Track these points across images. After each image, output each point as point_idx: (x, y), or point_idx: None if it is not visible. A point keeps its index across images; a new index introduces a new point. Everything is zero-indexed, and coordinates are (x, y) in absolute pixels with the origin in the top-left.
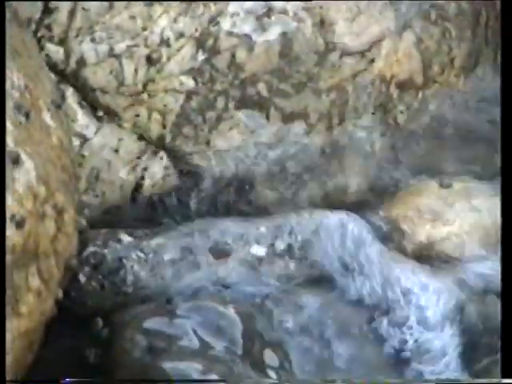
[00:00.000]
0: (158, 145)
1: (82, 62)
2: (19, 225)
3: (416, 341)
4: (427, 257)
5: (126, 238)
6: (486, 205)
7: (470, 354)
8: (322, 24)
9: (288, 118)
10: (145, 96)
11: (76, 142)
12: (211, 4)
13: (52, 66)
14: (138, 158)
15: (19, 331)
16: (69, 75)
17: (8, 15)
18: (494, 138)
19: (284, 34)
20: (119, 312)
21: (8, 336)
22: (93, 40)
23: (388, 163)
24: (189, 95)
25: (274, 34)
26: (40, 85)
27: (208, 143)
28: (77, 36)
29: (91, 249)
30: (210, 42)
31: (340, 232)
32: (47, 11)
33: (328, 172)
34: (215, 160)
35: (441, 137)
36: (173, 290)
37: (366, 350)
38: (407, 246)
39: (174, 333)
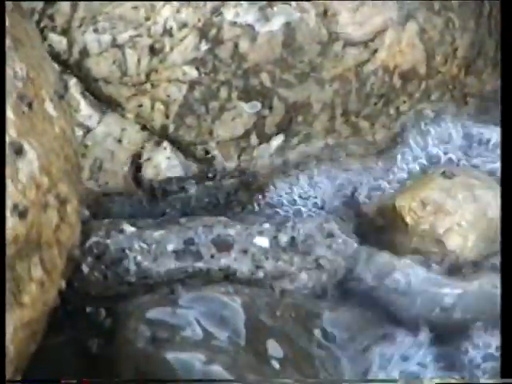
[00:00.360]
0: (161, 135)
1: (84, 52)
2: (22, 215)
3: None
4: None
5: (128, 229)
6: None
7: None
8: (325, 14)
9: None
10: (148, 86)
11: (79, 132)
12: None
13: (55, 56)
14: (141, 148)
15: (22, 321)
16: (72, 65)
17: (11, 5)
18: None
19: (287, 24)
20: (122, 302)
21: (9, 327)
22: (96, 30)
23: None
24: (192, 85)
25: (277, 24)
26: (43, 75)
27: (211, 133)
28: (80, 26)
29: (94, 239)
30: (213, 32)
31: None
32: (50, 1)
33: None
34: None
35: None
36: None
37: None
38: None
39: (177, 323)
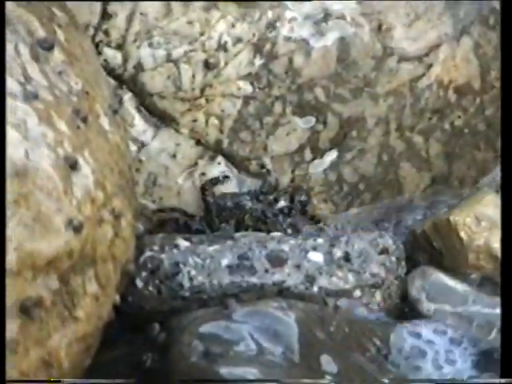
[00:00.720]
0: (216, 150)
1: (139, 67)
2: (77, 230)
3: None
4: None
5: (182, 243)
6: None
7: None
8: (380, 29)
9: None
10: (202, 101)
11: (133, 147)
12: (269, 9)
13: (110, 71)
14: (196, 163)
15: (76, 336)
16: (126, 80)
17: (66, 20)
18: None
19: (341, 39)
20: (176, 317)
21: (64, 342)
22: (150, 45)
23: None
24: (246, 100)
25: (331, 39)
26: (98, 90)
27: (265, 148)
28: (135, 41)
29: (148, 254)
30: (268, 46)
31: None
32: (105, 16)
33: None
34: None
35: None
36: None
37: None
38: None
39: (230, 338)
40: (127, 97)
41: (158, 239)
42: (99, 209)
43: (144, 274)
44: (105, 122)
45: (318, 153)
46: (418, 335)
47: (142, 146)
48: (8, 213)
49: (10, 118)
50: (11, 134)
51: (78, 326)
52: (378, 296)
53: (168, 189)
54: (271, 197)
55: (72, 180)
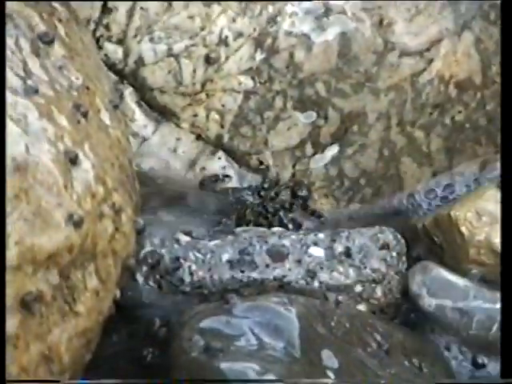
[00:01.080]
0: (216, 145)
1: (140, 62)
2: (77, 225)
3: None
4: None
5: (183, 238)
6: None
7: None
8: (381, 24)
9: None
10: (203, 96)
11: (134, 141)
12: (269, 4)
13: (110, 66)
14: (196, 157)
15: (77, 330)
16: (127, 75)
17: (67, 15)
18: None
19: (343, 34)
20: (177, 312)
21: (64, 336)
22: (151, 40)
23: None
24: (247, 95)
25: (332, 33)
26: (98, 84)
27: (266, 143)
28: (135, 36)
29: (149, 248)
30: (269, 41)
31: None
32: (106, 11)
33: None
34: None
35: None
36: (230, 289)
37: None
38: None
39: (231, 333)
40: (128, 91)
41: (159, 234)
42: (99, 203)
43: (144, 268)
44: (105, 116)
45: (319, 148)
46: None
47: (142, 140)
48: (8, 207)
49: (10, 112)
50: (12, 129)
51: (78, 320)
52: (379, 291)
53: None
54: (272, 192)
55: (72, 175)
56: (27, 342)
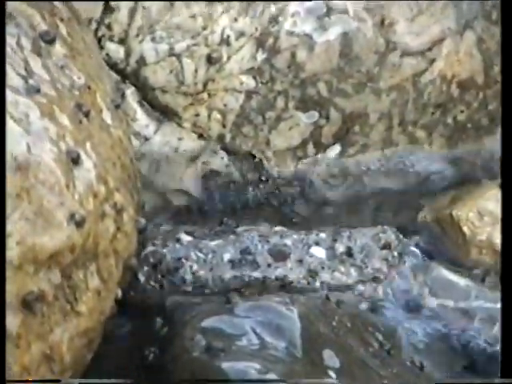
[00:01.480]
0: (218, 144)
1: (142, 62)
2: (79, 224)
3: None
4: None
5: (185, 238)
6: None
7: None
8: (383, 24)
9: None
10: (205, 95)
11: (136, 141)
12: (271, 4)
13: (112, 65)
14: (198, 157)
15: (78, 330)
16: (129, 74)
17: (69, 14)
18: None
19: (344, 34)
20: (178, 311)
21: (66, 336)
22: (153, 39)
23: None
24: (249, 95)
25: (334, 33)
26: (100, 84)
27: (268, 143)
28: (137, 35)
29: (150, 248)
30: (270, 41)
31: None
32: (108, 10)
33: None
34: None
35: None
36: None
37: None
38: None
39: (233, 332)
40: (129, 91)
41: (161, 233)
42: (101, 203)
43: (146, 268)
44: (107, 116)
45: (321, 148)
46: None
47: (144, 140)
48: (10, 207)
49: (12, 111)
50: (13, 128)
51: (79, 320)
52: (380, 291)
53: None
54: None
55: (74, 174)
56: (29, 342)
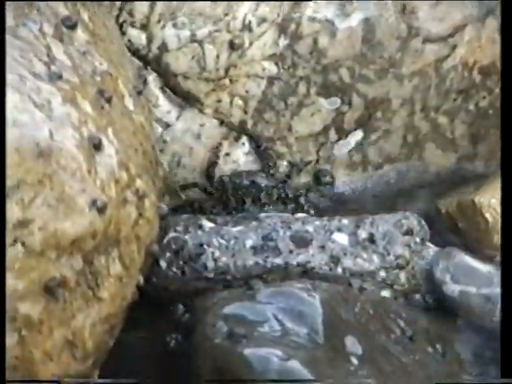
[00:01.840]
0: (240, 130)
1: (163, 48)
2: (101, 210)
3: None
4: None
5: (207, 224)
6: None
7: None
8: (405, 10)
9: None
10: (226, 81)
11: (157, 127)
12: None
13: (134, 52)
14: (220, 143)
15: (100, 316)
16: (151, 60)
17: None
18: None
19: (366, 20)
20: (200, 298)
21: (88, 322)
22: (175, 25)
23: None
24: (271, 81)
25: (356, 19)
26: (122, 70)
27: (289, 129)
28: (159, 21)
29: (172, 234)
30: (292, 27)
31: None
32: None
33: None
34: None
35: None
36: (254, 275)
37: None
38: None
39: (255, 319)
40: (151, 77)
41: (183, 220)
42: (123, 189)
43: (168, 254)
44: (129, 102)
45: (343, 134)
46: None
47: (166, 126)
48: (32, 193)
49: (34, 98)
50: (35, 114)
51: (101, 306)
52: (403, 277)
53: (192, 169)
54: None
55: (96, 160)
56: (51, 328)
